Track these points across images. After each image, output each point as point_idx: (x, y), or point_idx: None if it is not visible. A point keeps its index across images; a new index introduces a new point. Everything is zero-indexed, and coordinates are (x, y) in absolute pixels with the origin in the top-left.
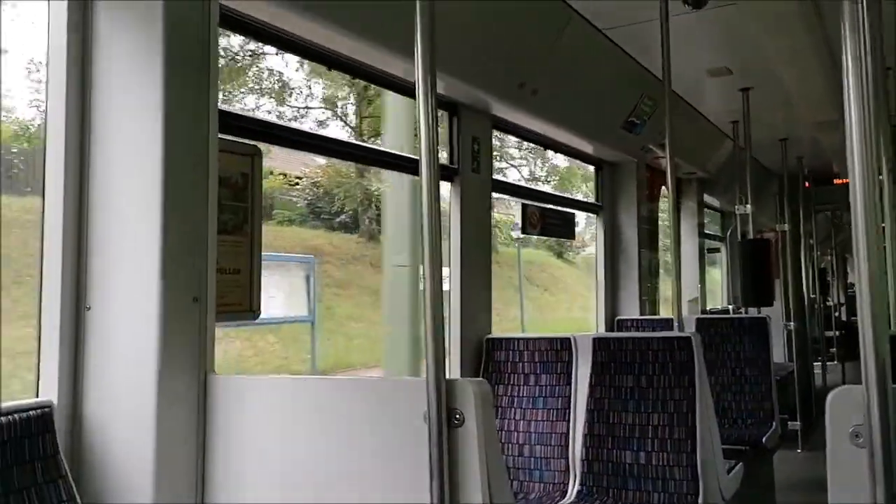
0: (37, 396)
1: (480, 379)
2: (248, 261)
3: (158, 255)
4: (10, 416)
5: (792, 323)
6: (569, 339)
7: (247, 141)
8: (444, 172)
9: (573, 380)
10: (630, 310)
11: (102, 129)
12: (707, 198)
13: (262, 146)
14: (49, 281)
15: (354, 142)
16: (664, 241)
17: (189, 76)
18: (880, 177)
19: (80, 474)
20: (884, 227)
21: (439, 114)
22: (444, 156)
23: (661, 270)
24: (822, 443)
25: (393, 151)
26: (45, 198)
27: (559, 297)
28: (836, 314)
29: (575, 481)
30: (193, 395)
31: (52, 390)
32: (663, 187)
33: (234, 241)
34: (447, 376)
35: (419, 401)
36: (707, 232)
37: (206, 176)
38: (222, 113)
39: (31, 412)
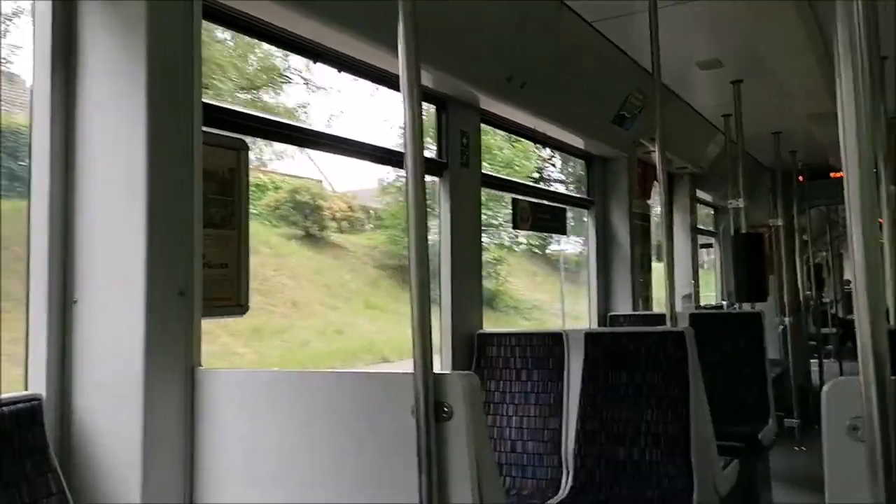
0: (25, 389)
1: (469, 372)
2: (236, 255)
3: (144, 249)
4: None
5: (787, 318)
6: (561, 334)
7: (233, 135)
8: (433, 167)
9: (565, 375)
10: (623, 305)
11: (88, 122)
12: (700, 193)
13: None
14: (36, 274)
15: (340, 135)
16: (657, 236)
17: (173, 69)
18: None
19: (69, 467)
20: (880, 222)
21: (428, 108)
22: (432, 150)
23: (655, 263)
24: (819, 440)
25: (379, 145)
26: (32, 191)
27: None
28: (833, 311)
29: (568, 477)
30: (180, 388)
31: (40, 383)
32: (655, 182)
33: (222, 236)
34: (439, 372)
35: (407, 395)
36: (700, 227)
37: (192, 169)
38: (207, 106)
39: (19, 405)
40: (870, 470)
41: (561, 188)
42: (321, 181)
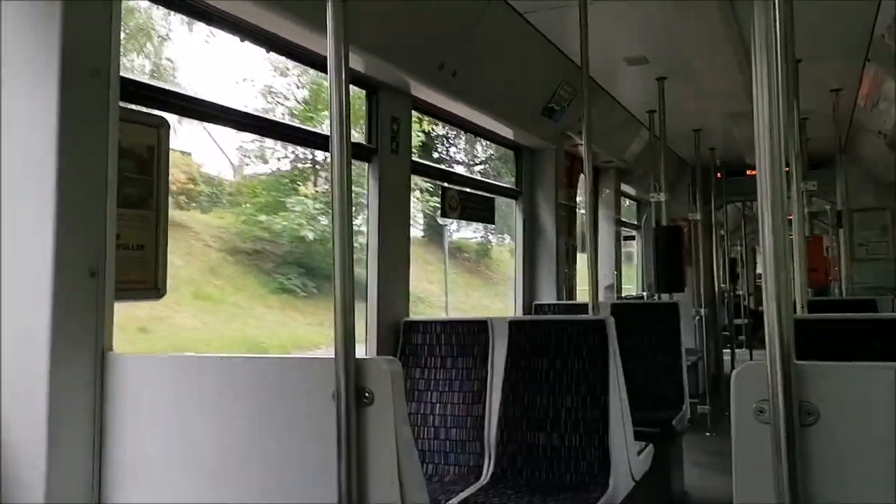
0: None
1: (391, 357)
2: (154, 236)
3: (52, 227)
4: None
5: (702, 309)
6: (486, 321)
7: (153, 111)
8: (362, 152)
9: (489, 363)
10: (548, 295)
11: None
12: (624, 186)
13: None
14: None
15: (265, 116)
16: (582, 228)
17: (89, 42)
18: (787, 168)
19: None
20: (790, 218)
21: (358, 92)
22: (362, 135)
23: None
24: (729, 426)
25: (304, 127)
26: None
27: None
28: (745, 303)
29: (490, 463)
30: (90, 374)
31: None
32: (582, 175)
33: (139, 216)
34: (361, 357)
35: (328, 380)
36: (624, 220)
37: (106, 145)
38: (125, 80)
39: None
40: (774, 450)
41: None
42: (190, 154)
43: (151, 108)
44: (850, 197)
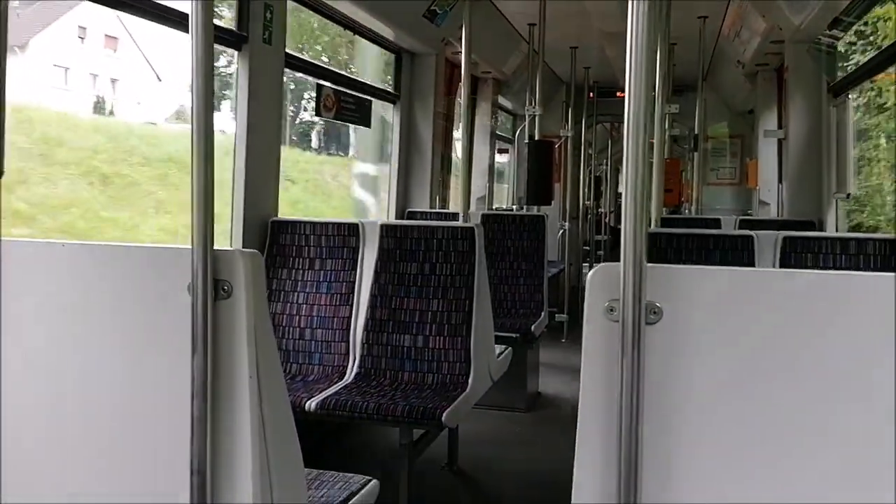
0: None
1: (252, 251)
2: None
3: None
4: None
5: (567, 223)
6: (357, 224)
7: None
8: (231, 38)
9: (359, 265)
10: (421, 202)
11: None
12: (502, 99)
13: None
14: None
15: None
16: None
17: None
18: (653, 92)
19: None
20: (652, 143)
21: None
22: (230, 17)
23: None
24: (582, 335)
25: (162, 3)
26: None
27: None
28: (607, 220)
29: (354, 364)
30: None
31: None
32: (461, 84)
33: None
34: (219, 248)
35: (184, 271)
36: (499, 133)
37: None
38: None
39: None
40: (620, 346)
41: None
42: None
43: None
44: (707, 123)
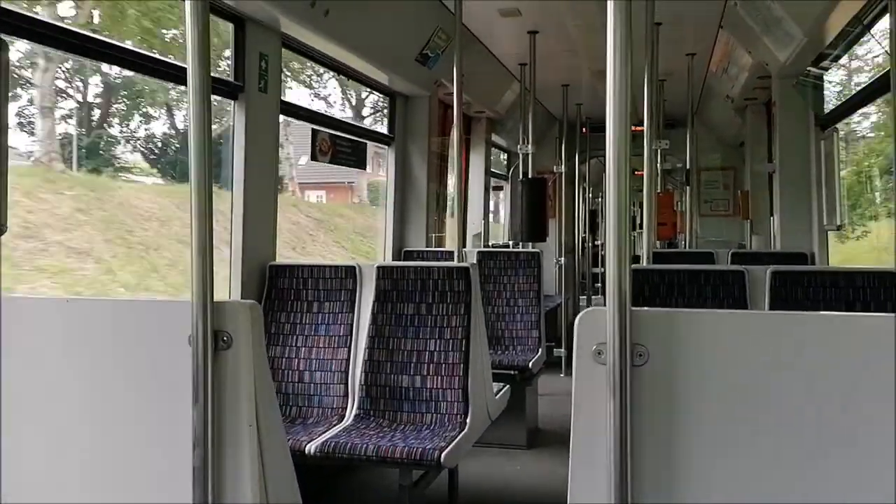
0: None
1: (251, 301)
2: None
3: None
4: None
5: (562, 258)
6: (354, 266)
7: None
8: (227, 89)
9: (357, 307)
10: (417, 242)
11: None
12: (495, 137)
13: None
14: None
15: (117, 43)
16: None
17: None
18: (640, 128)
19: None
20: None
21: (226, 27)
22: (228, 70)
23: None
24: None
25: (161, 58)
26: None
27: None
28: (603, 252)
29: (353, 405)
30: None
31: None
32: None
33: None
34: (219, 300)
35: (185, 323)
36: (494, 171)
37: None
38: None
39: None
40: (608, 388)
41: None
42: None
43: None
44: (699, 156)
